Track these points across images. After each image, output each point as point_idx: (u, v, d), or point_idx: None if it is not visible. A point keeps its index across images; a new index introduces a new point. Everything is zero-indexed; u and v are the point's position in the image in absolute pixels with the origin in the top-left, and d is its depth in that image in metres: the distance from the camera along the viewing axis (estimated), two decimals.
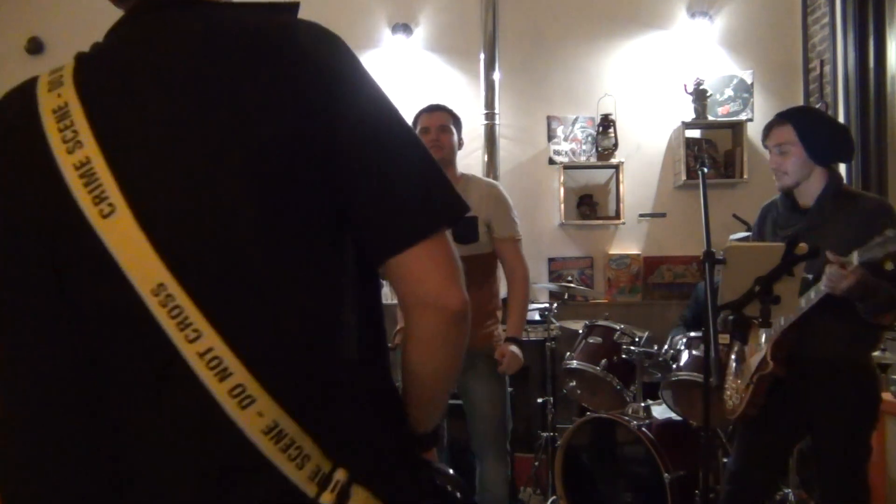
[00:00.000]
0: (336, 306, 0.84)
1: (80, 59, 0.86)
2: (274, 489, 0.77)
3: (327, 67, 0.84)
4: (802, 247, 1.94)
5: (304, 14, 0.98)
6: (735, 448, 2.49)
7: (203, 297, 0.77)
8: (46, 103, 0.82)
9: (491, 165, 4.46)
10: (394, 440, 0.89)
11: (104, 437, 0.79)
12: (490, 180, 2.96)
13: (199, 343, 0.76)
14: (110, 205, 0.77)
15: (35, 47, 4.70)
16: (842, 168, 4.05)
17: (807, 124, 2.28)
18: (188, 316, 0.76)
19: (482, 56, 4.50)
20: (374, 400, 0.88)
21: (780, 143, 2.29)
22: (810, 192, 2.28)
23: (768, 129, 2.37)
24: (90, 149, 0.78)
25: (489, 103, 4.45)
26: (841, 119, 4.07)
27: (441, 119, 2.81)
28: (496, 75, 4.50)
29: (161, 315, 0.76)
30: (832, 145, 2.28)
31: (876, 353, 2.87)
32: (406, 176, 0.85)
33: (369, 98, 0.86)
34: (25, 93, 0.85)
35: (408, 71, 4.57)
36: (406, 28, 4.55)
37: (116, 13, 0.95)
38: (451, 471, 1.02)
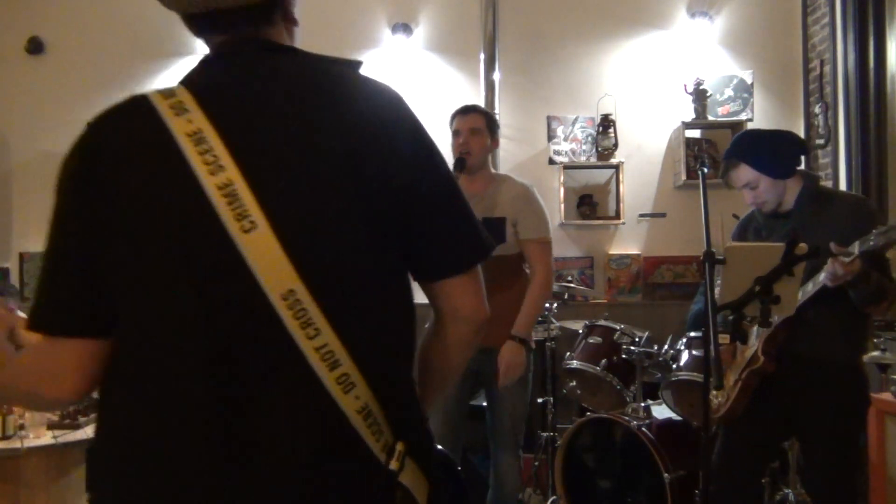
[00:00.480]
0: (407, 313, 1.05)
1: (194, 88, 0.98)
2: (361, 456, 0.95)
3: (410, 124, 1.04)
4: (802, 247, 1.94)
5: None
6: (717, 447, 2.47)
7: (324, 301, 0.92)
8: (178, 127, 0.93)
9: (491, 165, 4.45)
10: (421, 420, 1.09)
11: (231, 412, 0.92)
12: (523, 182, 2.95)
13: (317, 339, 0.91)
14: (252, 222, 0.90)
15: (35, 47, 4.69)
16: (842, 169, 4.06)
17: (758, 154, 2.31)
18: (312, 317, 0.91)
19: (482, 56, 4.50)
20: (413, 387, 1.08)
21: (745, 183, 2.33)
22: (788, 198, 2.33)
23: (726, 174, 2.39)
24: (231, 172, 0.91)
25: (489, 103, 4.45)
26: (841, 119, 4.07)
27: (472, 122, 2.83)
28: (496, 75, 4.50)
29: (287, 315, 0.90)
30: (789, 157, 2.32)
31: (876, 353, 2.88)
32: (459, 219, 1.08)
33: (435, 153, 1.07)
34: (146, 111, 0.96)
35: (408, 71, 4.57)
36: (406, 28, 4.55)
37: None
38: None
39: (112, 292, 0.94)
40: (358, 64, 1.08)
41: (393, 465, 0.96)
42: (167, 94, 0.97)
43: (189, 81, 1.01)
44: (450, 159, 2.83)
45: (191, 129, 0.93)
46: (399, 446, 0.98)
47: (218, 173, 0.91)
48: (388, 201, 0.98)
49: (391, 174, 0.99)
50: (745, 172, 2.32)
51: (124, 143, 0.95)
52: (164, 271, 0.93)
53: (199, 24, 1.04)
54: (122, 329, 0.95)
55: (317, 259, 0.93)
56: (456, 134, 2.83)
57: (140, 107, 0.97)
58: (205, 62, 1.04)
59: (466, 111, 2.89)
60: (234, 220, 0.90)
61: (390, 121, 1.02)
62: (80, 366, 0.96)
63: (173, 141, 0.92)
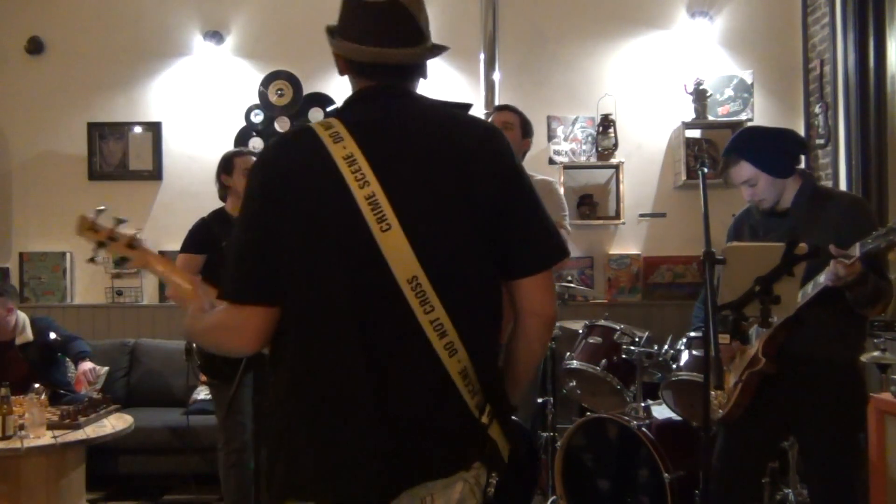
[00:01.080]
0: (497, 301, 1.34)
1: (345, 121, 1.29)
2: (461, 409, 1.26)
3: (509, 157, 1.34)
4: (802, 247, 1.94)
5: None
6: (717, 448, 2.45)
7: (439, 286, 1.23)
8: (336, 151, 1.25)
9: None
10: (504, 392, 1.36)
11: (372, 365, 1.23)
12: (546, 177, 3.19)
13: (431, 314, 1.22)
14: (388, 224, 1.22)
15: (35, 47, 4.70)
16: (842, 169, 4.06)
17: (758, 151, 2.29)
18: (429, 297, 1.22)
19: (482, 56, 4.50)
20: (497, 363, 1.36)
21: (745, 180, 2.32)
22: (786, 197, 2.32)
23: (725, 169, 2.37)
24: (374, 187, 1.23)
25: (489, 103, 4.45)
26: (841, 119, 4.07)
27: (505, 117, 3.13)
28: (496, 75, 4.50)
29: (410, 296, 1.22)
30: (789, 155, 2.31)
31: (876, 353, 2.87)
32: (542, 228, 1.34)
33: (524, 175, 1.35)
34: (312, 138, 1.27)
35: None
36: None
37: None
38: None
39: (283, 274, 1.25)
40: (468, 106, 1.40)
41: (484, 419, 1.27)
42: (326, 125, 1.28)
43: (341, 115, 1.32)
44: None
45: (345, 153, 1.24)
46: (488, 407, 1.27)
47: (365, 187, 1.22)
48: (489, 212, 1.28)
49: (492, 192, 1.28)
50: (744, 169, 2.31)
51: (300, 162, 1.28)
52: (326, 260, 1.24)
53: (355, 68, 1.34)
54: (292, 302, 1.26)
55: (435, 254, 1.23)
56: None
57: (308, 134, 1.28)
58: (352, 102, 1.35)
59: (501, 108, 3.25)
60: (376, 223, 1.21)
61: (491, 151, 1.32)
62: (256, 326, 1.28)
63: (333, 162, 1.24)
